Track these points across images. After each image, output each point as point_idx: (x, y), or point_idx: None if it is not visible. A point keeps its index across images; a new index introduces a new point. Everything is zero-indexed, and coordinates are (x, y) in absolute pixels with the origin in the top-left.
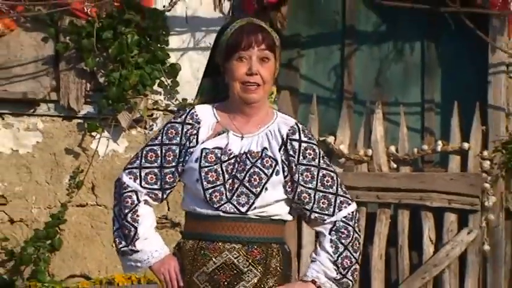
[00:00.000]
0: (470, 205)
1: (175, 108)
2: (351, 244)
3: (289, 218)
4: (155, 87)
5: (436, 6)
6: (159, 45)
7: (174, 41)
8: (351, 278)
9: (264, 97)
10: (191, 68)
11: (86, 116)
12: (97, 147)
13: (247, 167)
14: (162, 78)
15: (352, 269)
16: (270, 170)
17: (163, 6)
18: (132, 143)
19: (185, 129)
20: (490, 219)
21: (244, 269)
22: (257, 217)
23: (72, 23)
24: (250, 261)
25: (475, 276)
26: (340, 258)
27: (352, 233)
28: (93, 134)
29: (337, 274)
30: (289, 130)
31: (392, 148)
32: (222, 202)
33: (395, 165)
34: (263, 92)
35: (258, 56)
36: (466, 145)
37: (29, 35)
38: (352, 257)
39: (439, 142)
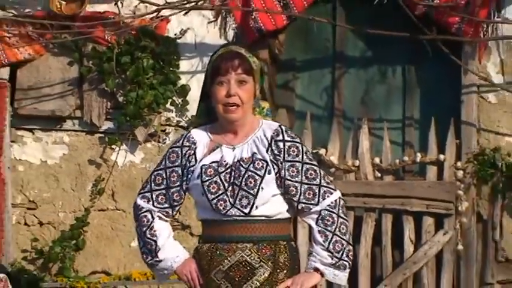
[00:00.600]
0: (446, 210)
1: (186, 124)
2: (338, 229)
3: (289, 215)
4: (168, 105)
5: (416, 34)
6: (171, 68)
7: (184, 65)
8: (346, 259)
9: (245, 115)
10: (199, 89)
11: (107, 131)
12: (116, 158)
13: (242, 172)
14: (174, 98)
15: (345, 250)
16: (263, 171)
17: (175, 34)
18: (147, 154)
19: (184, 151)
20: (463, 222)
21: (256, 265)
22: (263, 217)
23: (94, 49)
24: (261, 258)
25: (450, 273)
26: (331, 244)
27: (336, 219)
28: (113, 146)
29: (332, 259)
30: (273, 133)
31: (377, 159)
32: (228, 208)
33: (379, 174)
34: (242, 112)
35: (236, 80)
36: (441, 157)
37: (56, 59)
38: (342, 239)
39: (418, 154)
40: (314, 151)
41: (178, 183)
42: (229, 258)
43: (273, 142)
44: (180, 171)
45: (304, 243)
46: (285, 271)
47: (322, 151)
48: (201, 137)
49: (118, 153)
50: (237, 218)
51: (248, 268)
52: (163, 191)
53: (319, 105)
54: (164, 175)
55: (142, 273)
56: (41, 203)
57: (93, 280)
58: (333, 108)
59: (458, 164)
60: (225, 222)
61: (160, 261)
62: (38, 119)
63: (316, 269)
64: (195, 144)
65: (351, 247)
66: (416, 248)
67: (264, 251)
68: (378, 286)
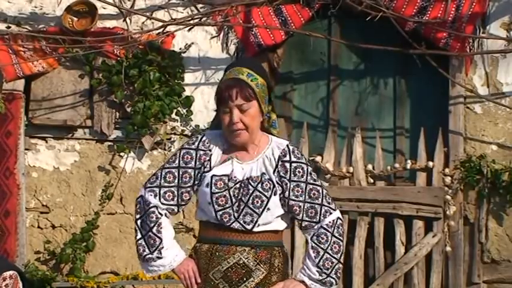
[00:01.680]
0: (435, 213)
1: (190, 133)
2: (330, 247)
3: (286, 227)
4: (173, 115)
5: (406, 48)
6: (176, 80)
7: (188, 77)
8: (334, 276)
9: (252, 136)
10: (203, 100)
11: (116, 139)
12: (124, 165)
13: (250, 191)
14: (179, 108)
15: (334, 268)
16: (270, 192)
17: (180, 49)
18: (154, 161)
19: (199, 155)
20: (451, 225)
21: (253, 267)
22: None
23: (104, 63)
24: (257, 261)
25: (439, 273)
26: (321, 261)
27: (330, 238)
28: (121, 154)
29: (319, 275)
30: (281, 153)
31: (370, 166)
32: (231, 221)
33: (372, 180)
34: (248, 134)
35: (238, 107)
36: (430, 164)
37: (68, 72)
38: (332, 258)
39: (409, 161)
40: (310, 158)
41: (189, 184)
42: (228, 260)
43: (279, 163)
44: (193, 173)
45: (301, 246)
46: (278, 274)
47: (318, 158)
48: (215, 143)
49: (126, 160)
50: (237, 228)
51: (245, 270)
52: (173, 189)
53: (315, 115)
54: (176, 174)
55: None
56: (54, 207)
57: (102, 280)
58: (328, 118)
59: (446, 170)
60: (224, 227)
61: (160, 258)
62: (50, 128)
63: (303, 282)
64: (210, 150)
65: (340, 265)
66: (407, 250)
67: (261, 254)
68: (371, 286)
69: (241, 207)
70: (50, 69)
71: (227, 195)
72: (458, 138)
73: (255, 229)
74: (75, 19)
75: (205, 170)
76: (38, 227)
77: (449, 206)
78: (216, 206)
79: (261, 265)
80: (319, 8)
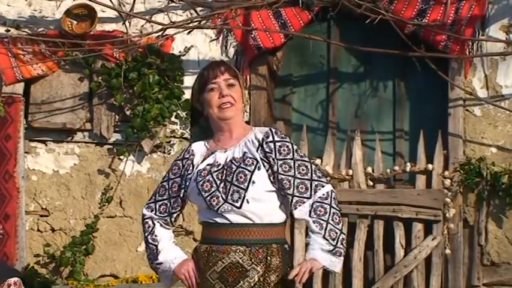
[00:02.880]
0: (434, 216)
1: (189, 136)
2: (331, 218)
3: (284, 217)
4: (172, 118)
5: (405, 51)
6: (175, 83)
7: (188, 80)
8: (341, 246)
9: (238, 114)
10: None
11: (115, 142)
12: (124, 168)
13: (233, 169)
14: (178, 111)
15: (340, 238)
16: (253, 167)
17: (179, 52)
18: (153, 164)
19: (183, 163)
20: (451, 228)
21: (248, 267)
22: (255, 219)
23: (103, 66)
24: (253, 260)
25: (439, 275)
26: (326, 232)
27: (329, 209)
28: (121, 157)
29: (329, 246)
30: (264, 135)
31: (369, 169)
32: (220, 204)
33: (371, 183)
34: (236, 110)
35: (225, 83)
36: (430, 166)
37: (68, 75)
38: (335, 228)
39: (408, 164)
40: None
41: (177, 193)
42: (223, 260)
43: (264, 143)
44: (179, 181)
45: (301, 249)
46: (277, 273)
47: (317, 161)
48: (199, 147)
49: (126, 164)
50: (231, 218)
51: (240, 270)
52: (166, 201)
53: (314, 118)
54: (167, 186)
55: (148, 276)
56: (53, 211)
57: (102, 283)
58: (328, 120)
59: (446, 173)
60: (220, 225)
61: (160, 263)
62: (50, 131)
63: (315, 258)
64: (193, 155)
65: (344, 236)
66: (406, 253)
67: (256, 254)
68: None
69: (228, 187)
70: (49, 72)
71: (210, 179)
72: (457, 140)
73: (245, 206)
74: (75, 22)
75: (189, 172)
76: (38, 230)
77: (448, 208)
78: (203, 193)
79: (257, 265)
80: (319, 11)
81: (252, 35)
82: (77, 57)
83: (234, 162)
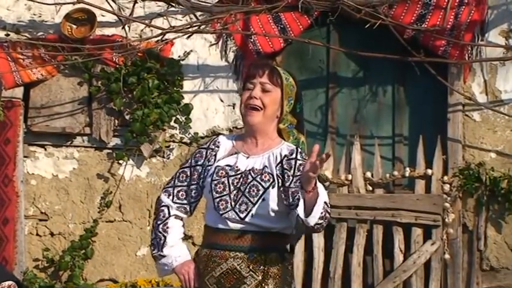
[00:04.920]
0: (433, 221)
1: (189, 141)
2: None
3: (288, 232)
4: (172, 123)
5: (404, 56)
6: (175, 88)
7: (187, 85)
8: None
9: (265, 122)
10: (201, 107)
11: (114, 147)
12: (123, 172)
13: (249, 180)
14: (178, 116)
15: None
16: (268, 184)
17: (179, 56)
18: (153, 169)
19: (207, 152)
20: (450, 232)
21: (245, 274)
22: (256, 228)
23: (103, 70)
24: (250, 267)
25: (438, 280)
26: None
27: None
28: (120, 161)
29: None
30: (288, 152)
31: (368, 173)
32: (227, 209)
33: (371, 188)
34: (262, 117)
35: (261, 86)
36: (429, 171)
37: (67, 79)
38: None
39: (407, 169)
40: None
41: (196, 181)
42: (221, 265)
43: (285, 159)
44: (200, 170)
45: (300, 253)
46: (275, 281)
47: None
48: (225, 142)
49: (125, 168)
50: (232, 226)
51: (238, 276)
52: (185, 188)
53: (314, 122)
54: (188, 173)
55: (147, 281)
56: (52, 215)
57: (101, 287)
58: (327, 125)
59: (445, 178)
60: (221, 230)
61: (163, 256)
62: (49, 135)
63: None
64: (218, 147)
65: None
66: (405, 257)
67: (254, 261)
68: None
69: (239, 196)
70: (49, 76)
71: (225, 182)
72: (457, 145)
73: (248, 219)
74: (74, 27)
75: (209, 163)
76: (37, 234)
77: (448, 213)
78: (214, 193)
79: (254, 272)
80: (318, 16)
81: (252, 40)
82: (77, 62)
83: (252, 173)
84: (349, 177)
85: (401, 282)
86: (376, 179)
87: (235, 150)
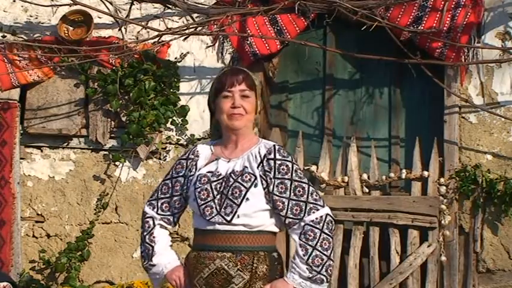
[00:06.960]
0: (430, 223)
1: (185, 142)
2: (319, 244)
3: (275, 229)
4: (168, 125)
5: (401, 58)
6: (171, 90)
7: (184, 87)
8: (324, 273)
9: (247, 125)
10: (198, 109)
11: (111, 148)
12: (120, 174)
13: (230, 183)
14: (174, 118)
15: (325, 265)
16: (249, 183)
17: (175, 58)
18: (149, 171)
19: (187, 163)
20: (446, 234)
21: (233, 273)
22: (244, 228)
23: (99, 72)
24: (238, 267)
25: (434, 282)
26: (310, 258)
27: (319, 234)
28: (117, 163)
29: (310, 273)
30: (267, 151)
31: (365, 175)
32: (213, 215)
33: (367, 190)
34: (246, 121)
35: (240, 94)
36: (425, 173)
37: (64, 81)
38: (322, 254)
39: (404, 171)
40: (306, 168)
41: (179, 192)
42: (209, 266)
43: (265, 160)
44: (182, 181)
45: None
46: (263, 280)
47: (313, 168)
48: (204, 150)
49: (121, 170)
50: (220, 227)
51: (225, 276)
52: (168, 199)
53: (310, 124)
54: (170, 184)
55: (143, 283)
56: (49, 216)
57: None
58: (324, 127)
59: (441, 180)
60: (209, 232)
61: (153, 265)
62: (46, 137)
63: (287, 281)
64: (198, 156)
65: (331, 262)
66: (402, 259)
67: (242, 260)
68: None
69: (223, 200)
70: (45, 78)
71: (208, 188)
72: (453, 147)
73: (235, 220)
74: (71, 28)
75: (191, 173)
76: (33, 236)
77: (444, 215)
78: (198, 200)
79: (242, 271)
80: (315, 18)
81: (248, 42)
82: (73, 63)
83: (233, 175)
84: (346, 179)
85: (398, 284)
86: (373, 181)
87: (215, 156)
